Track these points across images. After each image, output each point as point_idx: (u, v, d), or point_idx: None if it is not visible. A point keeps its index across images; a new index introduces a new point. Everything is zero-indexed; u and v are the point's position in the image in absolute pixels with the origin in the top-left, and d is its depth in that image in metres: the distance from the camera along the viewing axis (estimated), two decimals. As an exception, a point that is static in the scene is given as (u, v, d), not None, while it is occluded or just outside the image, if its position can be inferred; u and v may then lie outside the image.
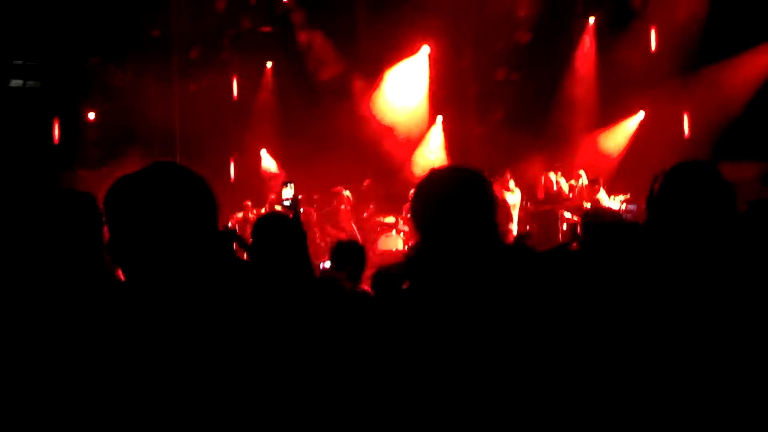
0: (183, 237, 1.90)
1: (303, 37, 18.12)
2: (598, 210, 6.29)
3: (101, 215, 2.47)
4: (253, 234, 3.78)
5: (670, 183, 2.72)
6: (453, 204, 2.28)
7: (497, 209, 2.35)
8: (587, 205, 13.47)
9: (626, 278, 2.74)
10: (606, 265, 3.32)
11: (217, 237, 1.99)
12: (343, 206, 14.68)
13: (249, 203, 16.13)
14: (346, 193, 15.10)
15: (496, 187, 13.42)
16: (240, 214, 16.05)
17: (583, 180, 14.33)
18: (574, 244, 6.34)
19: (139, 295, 1.92)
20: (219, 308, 1.93)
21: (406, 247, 12.86)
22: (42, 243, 2.69)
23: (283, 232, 3.71)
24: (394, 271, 4.90)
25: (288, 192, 4.81)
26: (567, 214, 13.86)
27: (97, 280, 2.62)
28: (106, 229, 1.94)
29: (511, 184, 13.81)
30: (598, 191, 13.61)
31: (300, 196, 4.83)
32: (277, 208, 16.07)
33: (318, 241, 14.57)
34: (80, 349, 1.97)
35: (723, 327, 2.45)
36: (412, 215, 2.39)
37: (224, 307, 1.94)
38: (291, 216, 4.58)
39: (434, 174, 2.45)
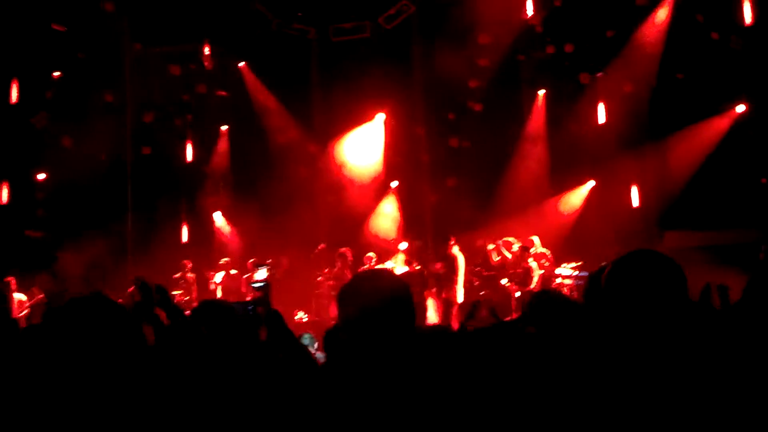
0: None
1: (258, 102, 18.25)
2: (549, 293, 6.30)
3: None
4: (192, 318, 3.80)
5: (622, 272, 2.71)
6: (377, 310, 2.49)
7: (415, 314, 2.60)
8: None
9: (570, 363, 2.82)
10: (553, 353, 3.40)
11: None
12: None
13: (188, 264, 16.03)
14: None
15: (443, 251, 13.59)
16: (178, 274, 15.93)
17: (537, 248, 14.46)
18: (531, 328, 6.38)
19: None
20: None
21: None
22: None
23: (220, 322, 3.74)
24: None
25: (261, 273, 4.76)
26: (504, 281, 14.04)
27: None
28: None
29: (455, 249, 13.90)
30: (527, 258, 13.81)
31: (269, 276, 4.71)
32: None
33: None
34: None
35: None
36: (339, 312, 2.57)
37: None
38: (261, 295, 4.55)
39: (360, 279, 2.65)
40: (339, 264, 14.54)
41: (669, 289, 2.62)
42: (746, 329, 3.55)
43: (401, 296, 2.57)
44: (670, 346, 2.56)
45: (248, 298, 14.10)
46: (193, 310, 3.89)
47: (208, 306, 3.91)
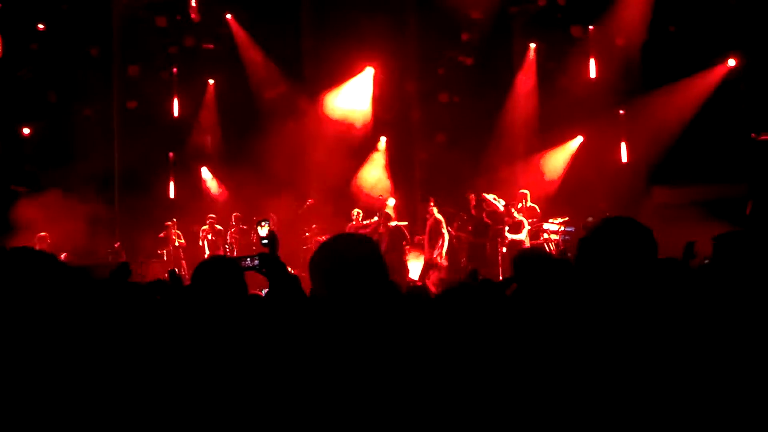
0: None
1: (246, 55, 17.99)
2: (533, 250, 6.28)
3: None
4: (193, 278, 3.75)
5: (598, 236, 2.79)
6: (350, 269, 2.69)
7: (387, 271, 2.79)
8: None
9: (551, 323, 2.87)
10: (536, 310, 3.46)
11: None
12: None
13: (170, 222, 16.00)
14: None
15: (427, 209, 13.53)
16: (162, 234, 15.91)
17: (527, 202, 14.36)
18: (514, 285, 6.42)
19: None
20: None
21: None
22: None
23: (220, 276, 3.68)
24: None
25: (263, 231, 4.68)
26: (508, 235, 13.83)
27: None
28: None
29: (435, 212, 13.90)
30: (511, 212, 13.67)
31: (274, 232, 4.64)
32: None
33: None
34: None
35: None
36: (313, 272, 2.74)
37: None
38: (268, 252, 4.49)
39: (333, 242, 2.86)
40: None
41: (638, 252, 2.71)
42: (719, 285, 3.58)
43: (371, 254, 2.77)
44: (639, 304, 2.61)
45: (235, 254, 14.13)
46: (198, 267, 3.80)
47: (213, 262, 3.84)
